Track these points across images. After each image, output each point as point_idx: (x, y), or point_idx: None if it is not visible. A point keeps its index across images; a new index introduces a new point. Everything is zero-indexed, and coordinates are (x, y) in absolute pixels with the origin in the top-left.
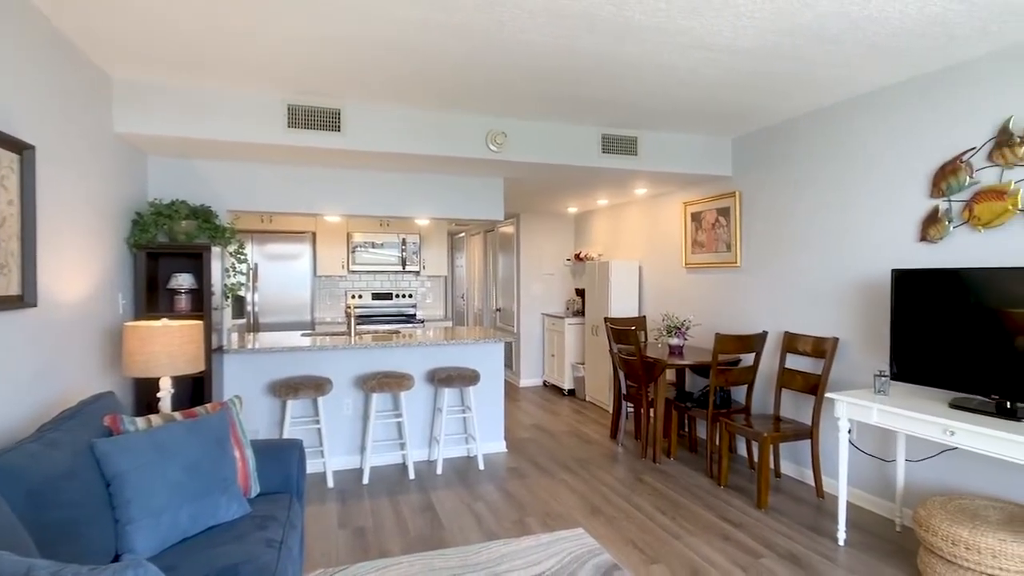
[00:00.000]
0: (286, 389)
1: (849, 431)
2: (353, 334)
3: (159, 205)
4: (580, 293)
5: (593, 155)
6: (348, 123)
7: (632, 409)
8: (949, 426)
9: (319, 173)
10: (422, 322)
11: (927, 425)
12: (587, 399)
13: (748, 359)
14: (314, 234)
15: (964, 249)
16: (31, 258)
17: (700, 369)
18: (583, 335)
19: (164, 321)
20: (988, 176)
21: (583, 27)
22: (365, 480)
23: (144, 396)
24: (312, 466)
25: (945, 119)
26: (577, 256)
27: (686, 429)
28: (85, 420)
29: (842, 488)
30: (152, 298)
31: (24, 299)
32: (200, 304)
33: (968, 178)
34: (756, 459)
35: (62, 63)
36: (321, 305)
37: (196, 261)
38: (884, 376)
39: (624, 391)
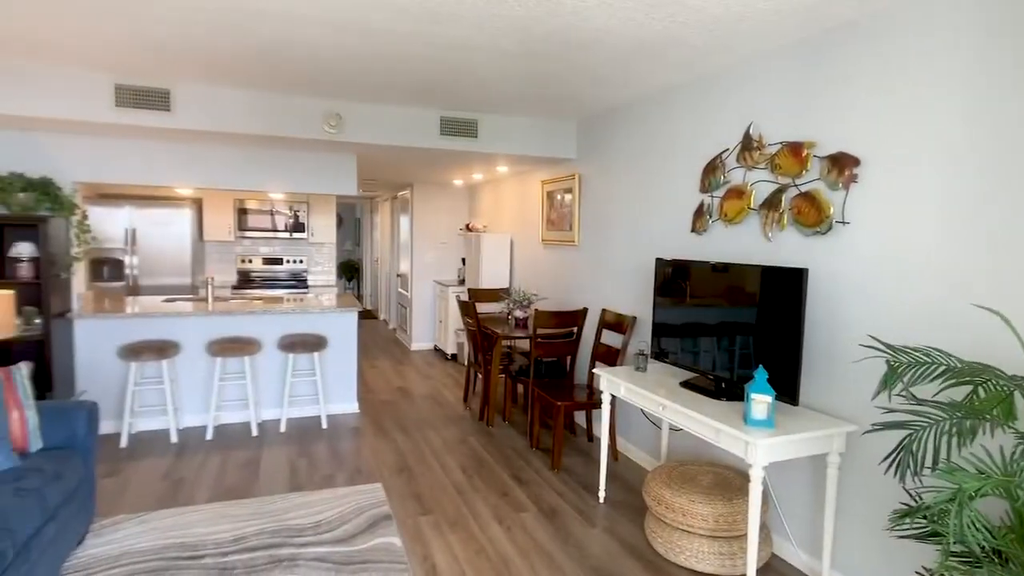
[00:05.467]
0: (129, 352)
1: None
2: (211, 301)
3: None
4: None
5: (432, 137)
6: (178, 103)
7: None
8: (662, 403)
9: (170, 147)
10: (308, 288)
11: (651, 402)
12: (466, 364)
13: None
14: (200, 200)
15: (718, 241)
16: None
17: None
18: None
19: None
20: (736, 176)
21: (427, 19)
22: (208, 437)
23: (5, 359)
24: (160, 423)
25: (712, 120)
26: (467, 227)
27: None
28: None
29: (603, 451)
30: None
31: None
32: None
33: (723, 177)
34: (585, 425)
35: None
36: (213, 268)
37: (40, 231)
38: (644, 354)
39: (474, 359)
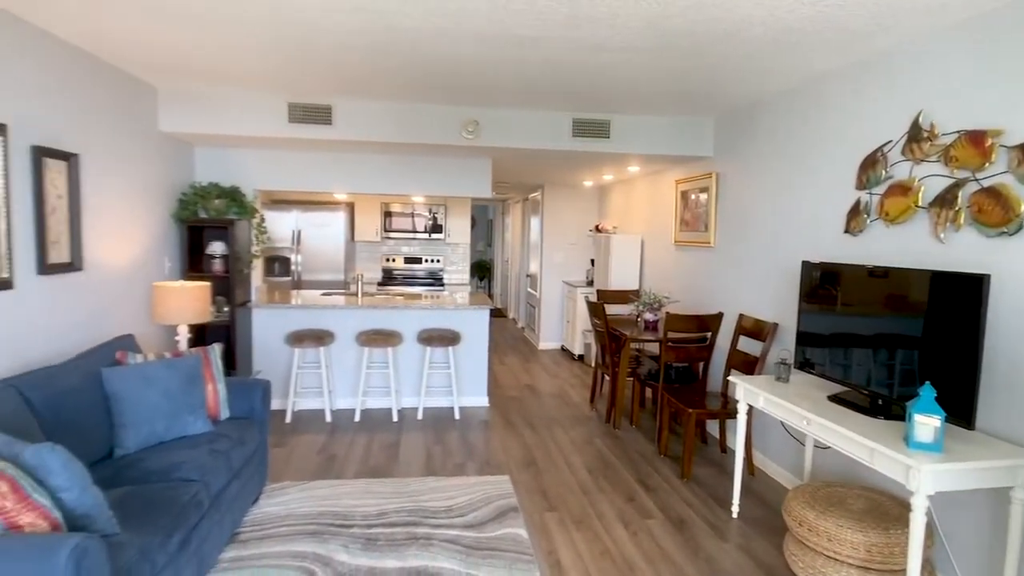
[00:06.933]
0: (293, 339)
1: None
2: (360, 296)
3: (197, 187)
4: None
5: (565, 139)
6: (338, 117)
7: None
8: (806, 417)
9: (329, 157)
10: (443, 286)
11: (793, 415)
12: (593, 365)
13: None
14: (352, 204)
15: (877, 243)
16: (77, 235)
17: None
18: None
19: (180, 282)
20: (901, 171)
21: (563, 24)
22: (356, 419)
23: (201, 340)
24: (317, 403)
25: (871, 110)
26: (597, 227)
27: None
28: (103, 354)
29: (738, 463)
30: (198, 261)
31: (72, 265)
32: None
33: (884, 171)
34: (718, 435)
35: (111, 85)
36: (363, 266)
37: (229, 232)
38: (787, 364)
39: (602, 361)
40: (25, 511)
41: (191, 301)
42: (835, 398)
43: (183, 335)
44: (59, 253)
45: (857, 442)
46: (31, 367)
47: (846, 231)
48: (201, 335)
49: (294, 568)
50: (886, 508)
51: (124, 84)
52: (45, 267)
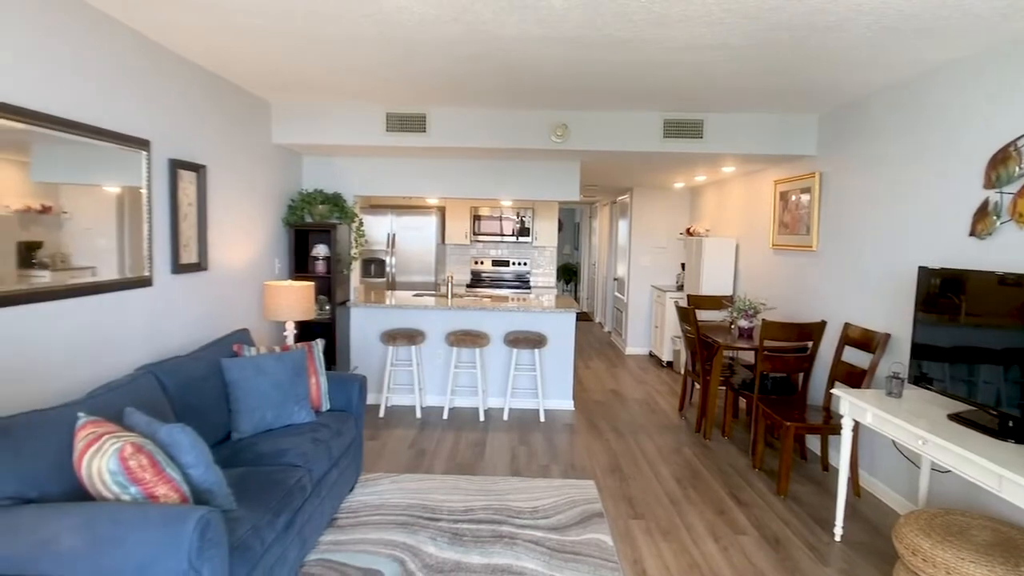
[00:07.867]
0: (387, 337)
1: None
2: (450, 297)
3: (304, 193)
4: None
5: (655, 140)
6: (431, 125)
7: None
8: (922, 436)
9: (422, 163)
10: (530, 288)
11: (907, 434)
12: (682, 372)
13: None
14: (443, 209)
15: (1008, 247)
16: (204, 238)
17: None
18: None
19: (288, 282)
20: None
21: (656, 23)
22: (445, 416)
23: (304, 336)
24: (408, 399)
25: (1002, 101)
26: (688, 231)
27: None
28: (223, 346)
29: (842, 483)
30: (303, 262)
31: (200, 265)
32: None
33: (1017, 168)
34: (819, 451)
35: (232, 101)
36: (452, 268)
37: (331, 235)
38: (899, 378)
39: (691, 368)
40: (161, 483)
41: (298, 300)
42: (957, 417)
43: (290, 331)
44: (189, 255)
45: (983, 467)
46: (164, 356)
47: (971, 234)
48: (305, 331)
49: (386, 556)
50: (1017, 542)
51: (243, 100)
52: (178, 267)
